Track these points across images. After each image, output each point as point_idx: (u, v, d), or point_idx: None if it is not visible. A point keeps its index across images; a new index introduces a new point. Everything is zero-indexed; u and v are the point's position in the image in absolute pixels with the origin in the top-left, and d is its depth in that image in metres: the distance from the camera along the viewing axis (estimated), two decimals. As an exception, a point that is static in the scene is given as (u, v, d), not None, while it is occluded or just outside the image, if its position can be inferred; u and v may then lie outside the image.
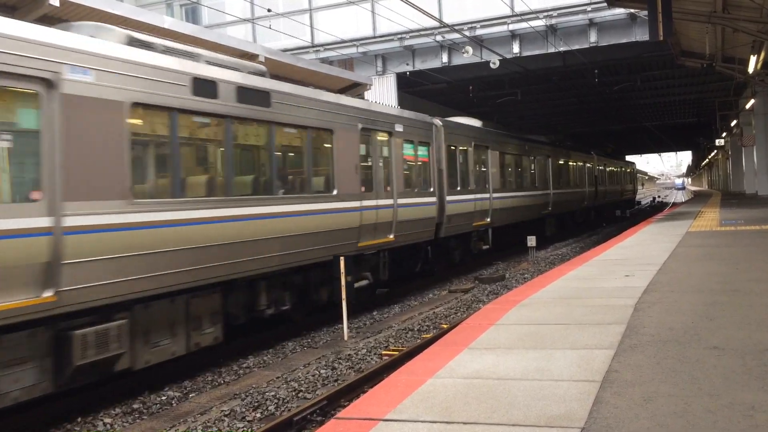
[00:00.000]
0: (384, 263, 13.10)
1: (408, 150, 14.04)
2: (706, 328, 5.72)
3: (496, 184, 19.45)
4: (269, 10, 23.57)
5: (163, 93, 7.82)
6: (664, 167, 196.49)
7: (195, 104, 8.27)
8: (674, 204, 52.14)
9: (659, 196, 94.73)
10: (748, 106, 35.81)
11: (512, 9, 24.22)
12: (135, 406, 7.60)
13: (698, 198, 48.57)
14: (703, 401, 3.90)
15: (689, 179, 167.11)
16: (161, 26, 11.92)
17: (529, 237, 20.79)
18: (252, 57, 14.15)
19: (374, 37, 26.61)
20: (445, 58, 26.43)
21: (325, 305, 11.60)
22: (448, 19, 23.89)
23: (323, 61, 25.96)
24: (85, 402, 7.61)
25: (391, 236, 12.95)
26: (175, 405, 7.69)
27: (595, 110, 44.31)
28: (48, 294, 6.48)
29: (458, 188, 16.62)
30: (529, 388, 4.37)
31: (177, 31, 12.29)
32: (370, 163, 12.53)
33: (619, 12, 23.28)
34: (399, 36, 25.99)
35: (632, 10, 22.22)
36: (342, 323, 10.60)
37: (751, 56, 20.09)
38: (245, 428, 6.74)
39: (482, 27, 25.16)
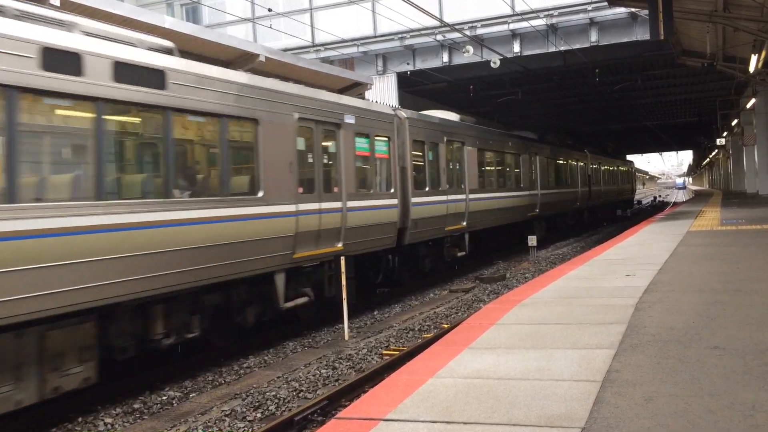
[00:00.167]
0: (330, 277, 11.23)
1: (362, 145, 12.27)
2: (707, 328, 5.72)
3: (473, 184, 17.60)
4: (270, 10, 23.55)
5: None
6: (665, 167, 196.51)
7: (46, 82, 6.60)
8: (675, 203, 52.11)
9: (660, 196, 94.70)
10: (749, 105, 35.79)
11: (513, 8, 24.20)
12: (136, 406, 7.61)
13: (699, 197, 48.55)
14: (704, 401, 3.90)
15: (690, 179, 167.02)
16: (162, 26, 11.91)
17: (530, 237, 20.83)
18: (252, 56, 14.14)
19: (375, 37, 26.60)
20: (445, 57, 26.42)
21: (253, 329, 10.15)
22: (448, 19, 23.87)
23: (324, 60, 25.95)
24: (86, 402, 7.60)
25: (340, 245, 11.24)
26: (175, 405, 7.69)
27: (595, 109, 44.28)
28: None
29: (427, 188, 14.86)
30: (530, 387, 4.37)
31: (177, 31, 12.29)
32: (311, 160, 10.75)
33: (620, 11, 23.28)
34: (400, 35, 25.99)
35: (633, 10, 22.20)
36: (343, 323, 10.60)
37: (752, 55, 20.07)
38: (246, 428, 6.75)
39: (483, 26, 25.16)
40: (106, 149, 7.29)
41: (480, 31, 25.09)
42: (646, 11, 15.11)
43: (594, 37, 24.68)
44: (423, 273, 15.54)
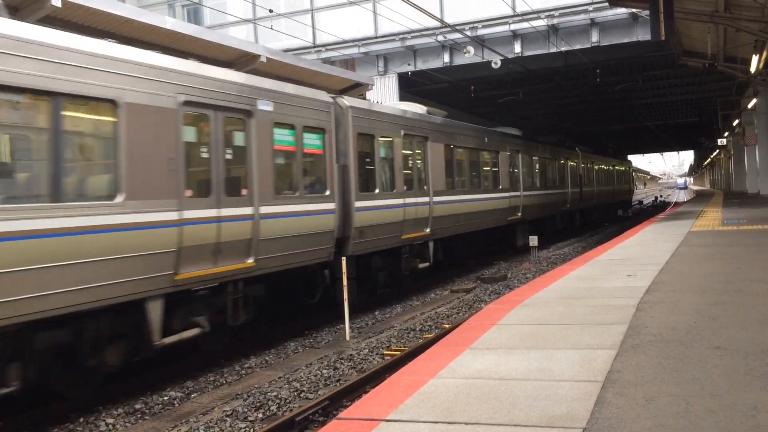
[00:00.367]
0: (237, 300, 9.29)
1: (284, 138, 10.30)
2: (709, 328, 5.72)
3: (439, 185, 15.53)
4: (271, 11, 23.58)
5: None
6: (666, 167, 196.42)
7: None
8: (676, 203, 52.08)
9: (661, 196, 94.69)
10: (750, 105, 35.77)
11: (514, 9, 24.20)
12: (137, 406, 7.61)
13: (700, 197, 48.52)
14: (705, 401, 3.90)
15: (691, 179, 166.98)
16: (163, 27, 11.92)
17: (531, 237, 20.80)
18: (254, 57, 14.14)
19: (376, 38, 26.61)
20: (446, 58, 26.42)
21: (112, 375, 8.19)
22: (449, 19, 23.88)
23: (325, 61, 25.96)
24: (87, 402, 7.61)
25: (250, 260, 9.23)
26: (177, 405, 7.70)
27: (596, 110, 44.27)
28: None
29: (377, 191, 12.73)
30: (531, 388, 4.37)
31: (178, 32, 12.29)
32: (206, 156, 8.69)
33: (621, 12, 23.26)
34: (401, 36, 25.99)
35: (634, 10, 22.20)
36: (344, 323, 10.60)
37: (753, 56, 20.07)
38: (247, 428, 6.75)
39: (484, 27, 25.15)
40: None
41: (481, 32, 25.08)
42: (647, 12, 15.13)
43: (595, 37, 24.67)
44: (377, 288, 13.37)
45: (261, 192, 9.55)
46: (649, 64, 30.92)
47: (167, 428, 6.88)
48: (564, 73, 30.29)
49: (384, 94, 26.28)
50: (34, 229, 6.40)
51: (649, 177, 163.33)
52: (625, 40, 24.58)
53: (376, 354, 9.43)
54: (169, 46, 12.48)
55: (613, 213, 42.27)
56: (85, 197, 7.14)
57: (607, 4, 19.91)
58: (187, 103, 8.34)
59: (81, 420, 7.23)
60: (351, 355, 9.36)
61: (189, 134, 8.45)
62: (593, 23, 24.50)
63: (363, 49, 26.69)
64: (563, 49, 24.98)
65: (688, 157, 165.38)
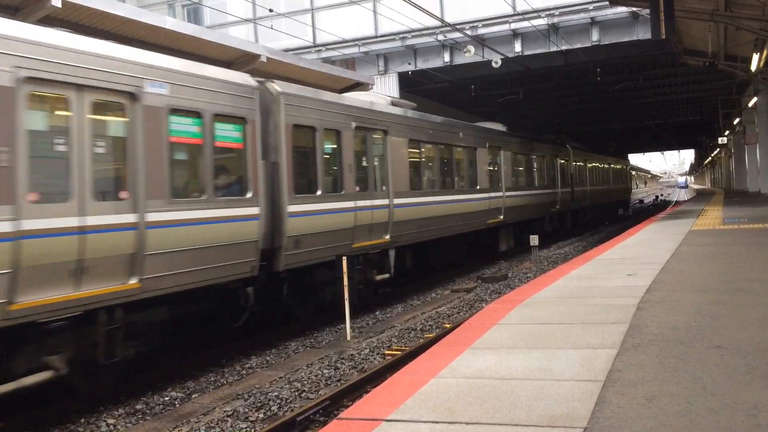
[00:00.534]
0: (113, 332, 7.55)
1: (185, 128, 8.52)
2: (709, 328, 5.71)
3: (401, 185, 13.75)
4: (271, 11, 23.57)
5: None
6: (667, 166, 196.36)
7: None
8: (677, 202, 52.05)
9: (662, 195, 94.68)
10: (750, 104, 35.76)
11: (514, 8, 24.19)
12: (138, 406, 7.62)
13: (701, 196, 48.50)
14: (706, 401, 3.89)
15: (692, 177, 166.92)
16: (163, 27, 11.92)
17: (531, 236, 20.79)
18: (254, 57, 14.14)
19: (376, 37, 26.60)
20: (447, 57, 26.41)
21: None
22: (449, 19, 23.87)
23: (325, 60, 25.95)
24: (88, 403, 7.61)
25: (134, 281, 7.58)
26: (178, 405, 7.70)
27: (597, 109, 44.26)
28: None
29: (318, 192, 11.04)
30: (532, 388, 4.37)
31: (178, 32, 12.29)
32: (62, 149, 6.96)
33: (621, 10, 23.25)
34: (401, 35, 25.98)
35: (634, 9, 22.19)
36: (345, 323, 10.60)
37: (754, 54, 20.06)
38: (248, 428, 6.75)
39: (484, 26, 25.14)
40: None
41: (481, 31, 25.08)
42: (648, 10, 15.12)
43: (595, 36, 24.66)
44: (323, 306, 11.73)
45: (149, 195, 7.80)
46: (650, 62, 30.92)
47: (168, 428, 6.89)
48: (564, 72, 30.28)
49: (384, 94, 26.26)
50: None
51: (649, 176, 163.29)
52: (626, 39, 24.57)
53: (377, 354, 9.43)
54: (169, 46, 12.49)
55: (608, 214, 40.47)
56: None
57: (607, 2, 19.91)
58: (31, 80, 6.62)
59: (82, 420, 7.24)
60: (352, 354, 9.36)
61: (35, 121, 6.77)
62: (593, 22, 24.49)
63: (363, 49, 26.69)
64: (563, 48, 24.98)
65: (688, 155, 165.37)
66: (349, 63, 26.93)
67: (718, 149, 64.67)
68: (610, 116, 49.44)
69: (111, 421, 7.21)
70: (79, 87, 7.14)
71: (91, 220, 7.13)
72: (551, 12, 24.25)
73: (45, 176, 6.89)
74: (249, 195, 9.47)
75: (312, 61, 19.58)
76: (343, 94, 13.50)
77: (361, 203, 12.22)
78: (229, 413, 7.12)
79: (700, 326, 5.79)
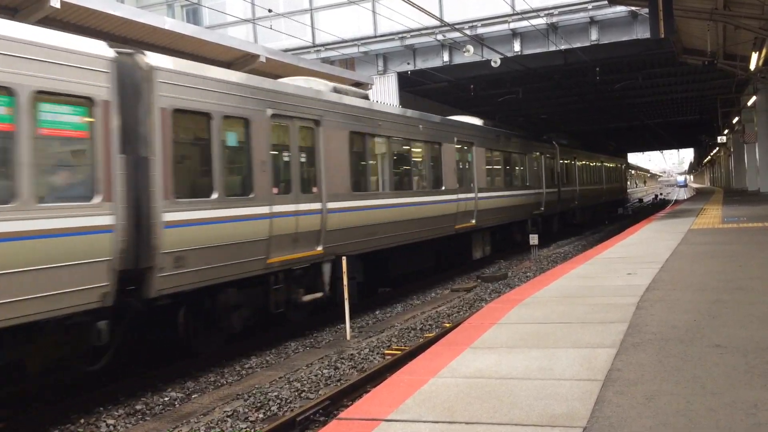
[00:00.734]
0: None
1: None
2: (709, 326, 5.72)
3: (338, 187, 11.58)
4: (270, 11, 23.59)
5: None
6: (666, 165, 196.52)
7: None
8: (676, 201, 52.08)
9: (661, 194, 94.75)
10: (750, 102, 35.78)
11: (513, 7, 24.21)
12: (138, 407, 7.62)
13: (700, 195, 48.52)
14: (706, 400, 3.90)
15: (691, 176, 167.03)
16: (162, 27, 11.93)
17: (531, 235, 20.75)
18: (253, 57, 14.16)
19: (375, 37, 26.62)
20: (446, 57, 26.43)
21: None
22: (449, 18, 23.88)
23: (324, 60, 25.97)
24: (88, 403, 7.62)
25: None
26: (177, 406, 7.70)
27: (596, 108, 44.29)
28: None
29: (214, 195, 8.77)
30: (532, 387, 4.37)
31: (177, 32, 12.30)
32: None
33: (620, 10, 23.27)
34: (400, 35, 26.00)
35: (633, 8, 22.21)
36: (344, 323, 10.61)
37: (753, 53, 20.08)
38: (248, 429, 6.75)
39: (483, 26, 25.16)
40: None
41: (480, 31, 25.10)
42: (647, 10, 15.12)
43: (594, 35, 24.68)
44: (233, 335, 10.07)
45: None
46: (649, 62, 30.94)
47: (168, 429, 6.89)
48: (564, 71, 30.30)
49: (383, 94, 26.29)
50: None
51: (649, 175, 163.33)
52: (625, 38, 24.59)
53: (377, 353, 9.43)
54: (169, 46, 12.50)
55: (601, 216, 38.40)
56: None
57: (606, 2, 19.91)
58: None
59: (82, 421, 7.24)
60: (352, 354, 9.36)
61: None
62: (593, 21, 24.51)
63: (362, 49, 26.70)
64: (563, 47, 24.99)
65: (688, 154, 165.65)
66: (348, 63, 26.94)
67: (717, 148, 64.69)
68: (610, 115, 49.47)
69: (111, 421, 7.21)
70: None
71: None
72: (550, 11, 24.27)
73: None
74: (97, 200, 7.20)
75: (311, 61, 19.61)
76: (302, 83, 11.97)
77: (280, 208, 10.00)
78: (229, 413, 7.12)
79: (699, 325, 5.79)
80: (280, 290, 10.19)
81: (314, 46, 27.23)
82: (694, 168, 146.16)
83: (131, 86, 7.89)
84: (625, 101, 42.26)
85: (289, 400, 7.48)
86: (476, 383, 4.54)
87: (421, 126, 15.15)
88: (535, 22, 24.09)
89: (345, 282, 10.58)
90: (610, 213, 42.33)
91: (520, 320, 6.58)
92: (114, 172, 7.45)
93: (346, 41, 26.37)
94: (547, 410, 3.90)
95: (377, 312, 12.79)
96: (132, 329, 8.60)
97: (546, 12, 24.22)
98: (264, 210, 9.68)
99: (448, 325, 11.02)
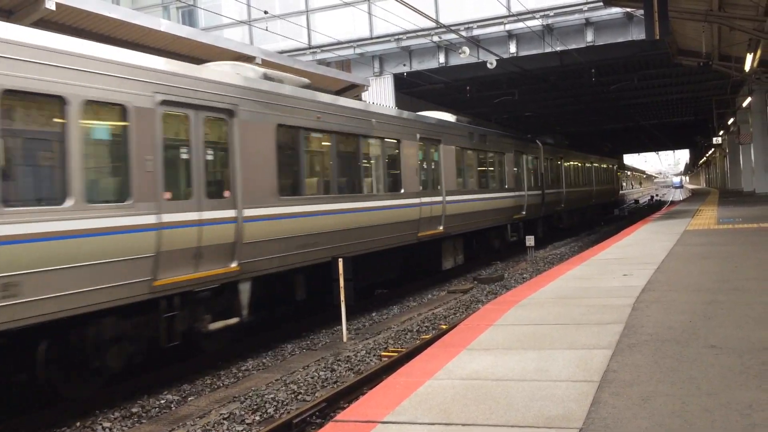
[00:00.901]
0: None
1: None
2: (705, 327, 5.73)
3: (259, 189, 9.65)
4: (266, 12, 23.59)
5: None
6: (662, 166, 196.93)
7: None
8: (672, 202, 52.20)
9: (657, 195, 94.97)
10: (744, 104, 35.88)
11: (509, 9, 24.26)
12: (134, 410, 7.60)
13: (696, 196, 48.63)
14: (701, 400, 3.90)
15: (687, 177, 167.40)
16: (157, 29, 11.92)
17: (527, 237, 20.74)
18: (249, 59, 14.15)
19: (371, 39, 26.63)
20: (442, 58, 26.46)
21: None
22: (444, 20, 23.91)
23: (320, 62, 25.97)
24: (84, 406, 7.60)
25: None
26: (174, 408, 7.69)
27: (592, 110, 44.38)
28: None
29: (68, 202, 7.02)
30: (528, 388, 4.37)
31: (173, 34, 12.30)
32: None
33: (616, 11, 23.33)
34: (396, 37, 26.03)
35: (628, 10, 22.25)
36: (341, 325, 10.60)
37: (748, 54, 20.13)
38: (244, 431, 6.75)
39: (479, 27, 25.20)
40: None
41: (476, 32, 25.13)
42: (642, 11, 15.14)
43: (590, 37, 24.74)
44: (114, 375, 8.14)
45: None
46: (644, 63, 31.02)
47: (164, 431, 6.88)
48: (559, 73, 30.36)
49: (379, 95, 26.31)
50: None
51: (644, 176, 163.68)
52: (620, 40, 24.65)
53: (374, 355, 9.43)
54: (164, 48, 12.50)
55: (591, 219, 36.63)
56: None
57: (601, 3, 19.96)
58: None
59: (78, 424, 7.22)
60: (348, 356, 9.36)
61: None
62: (588, 23, 24.56)
63: (358, 50, 26.72)
64: (558, 49, 25.04)
65: (683, 155, 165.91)
66: (344, 64, 26.96)
67: (712, 149, 64.90)
68: (606, 117, 49.59)
69: (107, 424, 7.20)
70: None
71: None
72: (546, 13, 24.31)
73: None
74: None
75: (307, 62, 19.61)
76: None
77: (173, 217, 8.21)
78: (225, 416, 7.11)
79: (695, 326, 5.80)
80: (177, 318, 8.33)
81: (310, 48, 27.23)
82: (690, 169, 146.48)
83: None
84: (621, 102, 42.36)
85: (285, 403, 7.48)
86: (472, 385, 4.55)
87: (374, 120, 13.14)
88: (530, 23, 24.14)
89: (341, 284, 10.58)
90: (603, 215, 41.16)
91: (516, 322, 6.59)
92: None
93: (342, 43, 26.39)
94: (543, 411, 3.91)
95: (374, 314, 12.79)
96: None
97: (541, 13, 24.27)
98: (147, 219, 7.85)
99: (444, 326, 11.02)
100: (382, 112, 13.74)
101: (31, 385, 7.30)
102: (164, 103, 8.22)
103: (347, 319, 10.69)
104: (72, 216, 7.02)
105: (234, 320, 9.28)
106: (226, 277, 9.00)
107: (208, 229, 8.68)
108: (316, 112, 11.27)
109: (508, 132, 25.53)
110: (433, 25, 22.62)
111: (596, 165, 38.44)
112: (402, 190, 14.08)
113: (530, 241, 20.47)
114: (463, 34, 24.12)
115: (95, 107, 7.43)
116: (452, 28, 22.97)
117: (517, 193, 21.94)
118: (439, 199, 15.71)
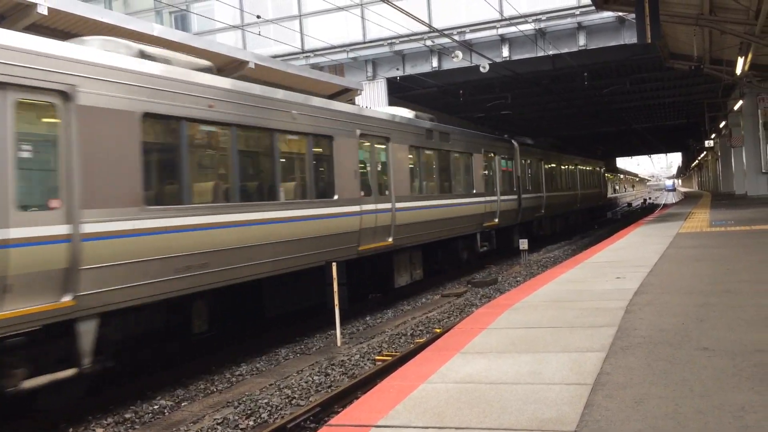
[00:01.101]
0: None
1: None
2: (697, 330, 5.75)
3: (111, 196, 7.42)
4: (259, 17, 23.60)
5: None
6: (655, 169, 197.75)
7: None
8: (665, 205, 52.37)
9: (650, 198, 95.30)
10: (736, 107, 36.07)
11: (501, 13, 24.33)
12: (127, 415, 7.57)
13: (688, 199, 48.81)
14: (694, 402, 3.92)
15: (679, 180, 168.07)
16: (150, 34, 11.90)
17: (521, 240, 20.79)
18: (242, 64, 14.15)
19: (364, 43, 26.67)
20: (435, 62, 26.52)
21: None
22: (437, 24, 23.96)
23: (313, 66, 25.99)
24: (77, 412, 7.56)
25: None
26: (167, 414, 7.66)
27: (584, 113, 44.51)
28: None
29: None
30: (521, 391, 4.38)
31: (165, 39, 12.28)
32: None
33: (608, 15, 23.43)
34: (389, 41, 26.07)
35: (620, 14, 22.37)
36: (335, 329, 10.59)
37: (739, 58, 20.25)
38: (238, 436, 6.73)
39: (472, 31, 25.28)
40: None
41: (469, 36, 25.21)
42: (633, 15, 15.21)
43: (582, 41, 24.84)
44: None
45: None
46: (636, 67, 31.15)
47: (158, 437, 6.85)
48: (552, 76, 30.46)
49: (373, 99, 26.33)
50: None
51: (637, 179, 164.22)
52: (612, 44, 24.77)
53: (368, 359, 9.42)
54: (157, 53, 12.44)
55: (575, 225, 34.43)
56: None
57: (593, 7, 20.03)
58: None
59: (70, 430, 7.18)
60: (342, 360, 9.35)
61: None
62: (580, 27, 24.67)
63: (351, 55, 26.75)
64: (551, 52, 25.14)
65: (676, 159, 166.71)
66: (337, 69, 26.99)
67: (704, 152, 65.19)
68: (598, 120, 49.75)
69: (100, 430, 7.17)
70: None
71: None
72: (538, 17, 24.41)
73: None
74: None
75: (300, 67, 19.61)
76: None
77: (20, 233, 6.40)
78: (219, 421, 7.09)
79: (687, 328, 5.82)
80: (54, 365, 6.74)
81: (303, 52, 27.24)
82: (682, 172, 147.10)
83: None
84: (613, 106, 42.51)
85: (279, 407, 7.46)
86: (466, 388, 4.55)
87: (294, 111, 10.81)
88: (523, 27, 24.22)
89: (335, 288, 10.56)
90: (590, 221, 39.19)
91: (509, 325, 6.60)
92: None
93: (335, 47, 26.41)
94: (537, 414, 3.91)
95: (368, 318, 12.78)
96: None
97: (534, 18, 24.37)
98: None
99: (438, 330, 11.02)
100: (307, 103, 11.30)
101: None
102: (23, 88, 6.41)
103: (341, 323, 10.68)
104: None
105: (68, 372, 6.93)
106: (53, 316, 6.69)
107: (19, 253, 6.37)
108: (208, 99, 8.98)
109: (481, 131, 23.55)
110: (426, 29, 22.68)
111: (581, 167, 35.93)
112: (335, 197, 11.86)
113: (524, 244, 20.52)
114: (456, 38, 24.19)
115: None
116: (445, 32, 23.03)
117: (487, 199, 19.72)
118: (387, 206, 13.56)
